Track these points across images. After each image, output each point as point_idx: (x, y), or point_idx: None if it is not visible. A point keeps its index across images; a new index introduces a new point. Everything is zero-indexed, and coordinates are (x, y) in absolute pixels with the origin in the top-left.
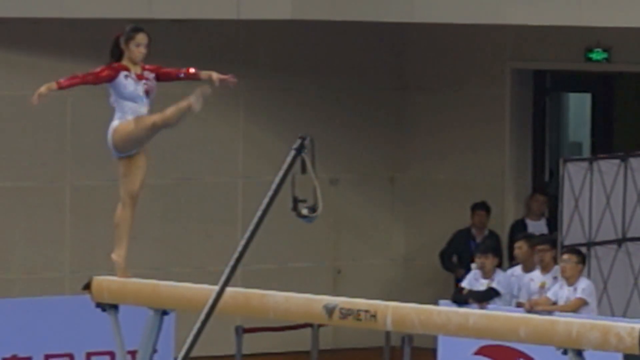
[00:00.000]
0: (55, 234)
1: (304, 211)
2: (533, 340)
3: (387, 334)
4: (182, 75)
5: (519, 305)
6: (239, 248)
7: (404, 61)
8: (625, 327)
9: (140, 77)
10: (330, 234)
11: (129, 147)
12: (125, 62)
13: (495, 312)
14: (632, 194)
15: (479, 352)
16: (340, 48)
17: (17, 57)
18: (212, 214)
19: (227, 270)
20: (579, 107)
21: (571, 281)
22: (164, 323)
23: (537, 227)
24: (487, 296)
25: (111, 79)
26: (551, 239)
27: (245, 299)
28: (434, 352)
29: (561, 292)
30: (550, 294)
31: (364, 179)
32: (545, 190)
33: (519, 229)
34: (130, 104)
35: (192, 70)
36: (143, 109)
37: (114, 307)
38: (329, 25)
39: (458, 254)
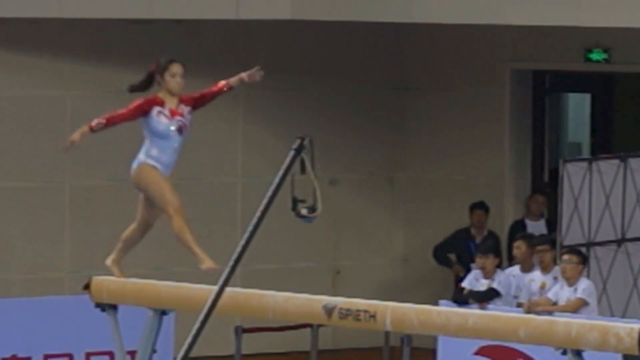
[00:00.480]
0: (54, 233)
1: (304, 211)
2: (532, 341)
3: (387, 334)
4: (216, 92)
5: (519, 305)
6: (239, 248)
7: (403, 61)
8: (625, 328)
9: (174, 113)
10: (330, 234)
11: (139, 190)
12: (162, 94)
13: (494, 313)
14: (632, 195)
15: (478, 353)
16: (339, 48)
17: (17, 57)
18: (211, 214)
19: (226, 271)
20: (578, 107)
21: (571, 282)
22: (163, 323)
23: (536, 227)
24: (487, 296)
25: (145, 114)
26: (551, 239)
27: (245, 299)
28: (433, 352)
29: (562, 292)
30: (550, 295)
31: (364, 179)
32: (545, 190)
33: (518, 229)
34: (161, 141)
35: (223, 83)
36: (175, 146)
37: (113, 307)
38: (328, 25)
39: (457, 254)
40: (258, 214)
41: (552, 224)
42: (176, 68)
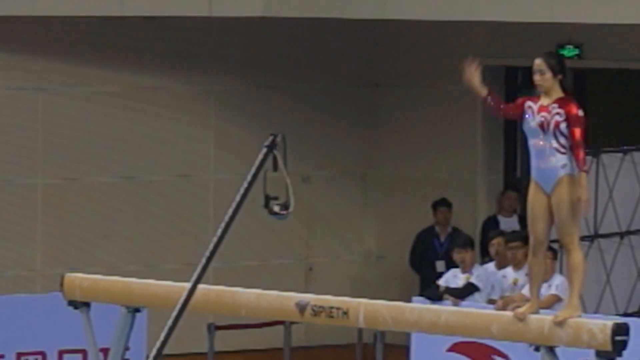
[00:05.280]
0: (27, 231)
1: (276, 208)
2: (505, 337)
3: (360, 331)
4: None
5: (491, 302)
6: (211, 245)
7: (375, 58)
8: (597, 324)
9: (541, 110)
10: (302, 231)
11: None
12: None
13: (467, 309)
14: (604, 190)
15: (452, 349)
16: (311, 45)
17: None
18: (184, 211)
19: (199, 268)
20: None
21: (545, 278)
22: (136, 320)
23: (509, 223)
24: (466, 291)
25: (520, 112)
26: (523, 235)
27: (217, 296)
28: (407, 349)
29: None
30: (525, 291)
31: (336, 177)
32: (517, 186)
33: (491, 226)
34: (530, 140)
35: (583, 168)
36: (545, 145)
37: (86, 305)
38: (300, 22)
39: (424, 254)
40: (230, 211)
41: (525, 220)
42: (536, 64)
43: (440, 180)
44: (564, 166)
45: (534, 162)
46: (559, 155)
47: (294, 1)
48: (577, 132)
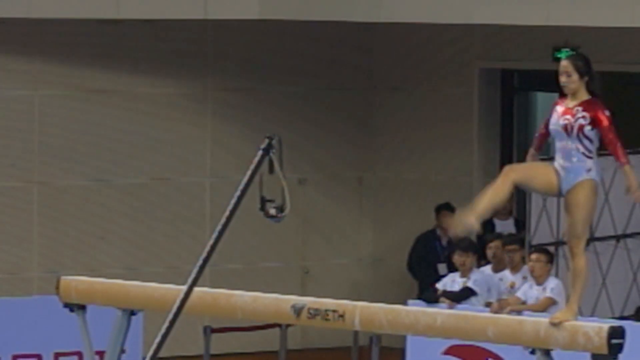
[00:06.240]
0: (23, 234)
1: (272, 211)
2: (501, 340)
3: (355, 334)
4: (609, 149)
5: (488, 305)
6: (207, 248)
7: (372, 61)
8: (594, 327)
9: (566, 112)
10: (299, 233)
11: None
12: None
13: (463, 312)
14: (600, 193)
15: (447, 352)
16: (308, 48)
17: None
18: (180, 214)
19: (195, 270)
20: (546, 106)
21: (540, 281)
22: (132, 323)
23: (505, 226)
24: (463, 296)
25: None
26: (520, 238)
27: (213, 299)
28: (402, 351)
29: (530, 291)
30: (520, 294)
31: (332, 179)
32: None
33: (486, 229)
34: (556, 142)
35: (623, 161)
36: (571, 148)
37: (82, 308)
38: (296, 25)
39: (424, 257)
40: (226, 213)
41: (521, 222)
42: (562, 65)
43: (437, 183)
44: (589, 170)
45: (558, 159)
46: (585, 159)
47: (290, 4)
48: (610, 134)
